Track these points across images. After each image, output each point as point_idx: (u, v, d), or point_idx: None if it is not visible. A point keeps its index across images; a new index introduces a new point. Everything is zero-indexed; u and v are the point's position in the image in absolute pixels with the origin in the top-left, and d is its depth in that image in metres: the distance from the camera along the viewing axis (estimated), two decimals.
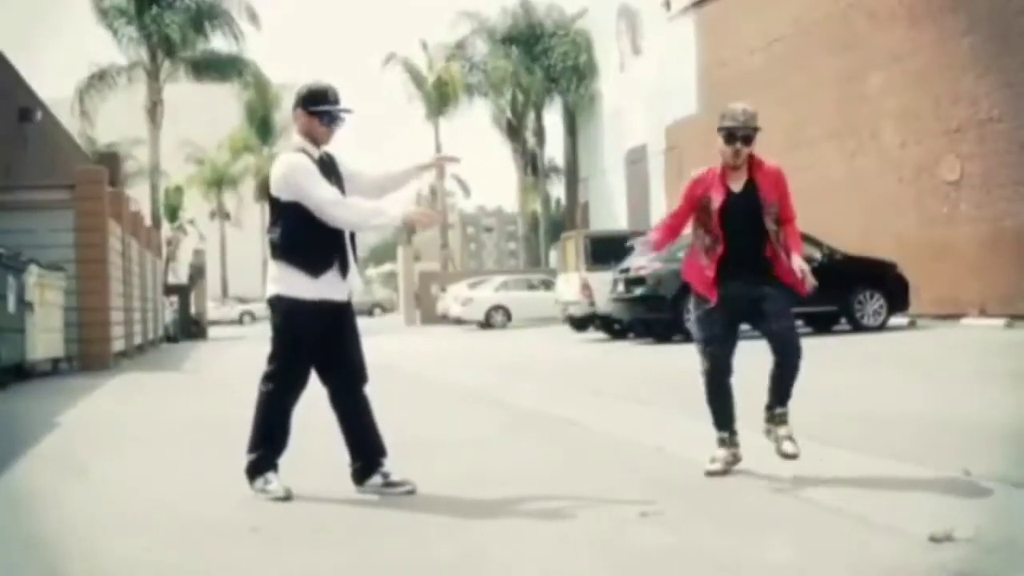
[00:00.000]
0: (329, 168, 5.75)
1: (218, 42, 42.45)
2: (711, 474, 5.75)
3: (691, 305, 6.18)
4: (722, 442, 5.90)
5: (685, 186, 5.99)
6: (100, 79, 41.45)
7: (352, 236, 5.80)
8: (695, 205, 5.90)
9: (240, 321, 60.87)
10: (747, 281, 5.77)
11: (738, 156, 5.77)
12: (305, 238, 5.59)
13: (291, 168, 5.61)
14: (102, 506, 5.71)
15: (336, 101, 5.75)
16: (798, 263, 5.74)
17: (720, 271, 5.80)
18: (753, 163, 5.84)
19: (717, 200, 5.78)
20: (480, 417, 9.43)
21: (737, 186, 5.83)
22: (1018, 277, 20.02)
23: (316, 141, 5.74)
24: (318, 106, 5.70)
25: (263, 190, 5.76)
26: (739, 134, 5.73)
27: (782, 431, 5.75)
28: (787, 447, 5.69)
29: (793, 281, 5.79)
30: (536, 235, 50.33)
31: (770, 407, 5.83)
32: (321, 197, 5.53)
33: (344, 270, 5.69)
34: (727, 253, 5.79)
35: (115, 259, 19.94)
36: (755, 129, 5.76)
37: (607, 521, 4.79)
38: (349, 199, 5.68)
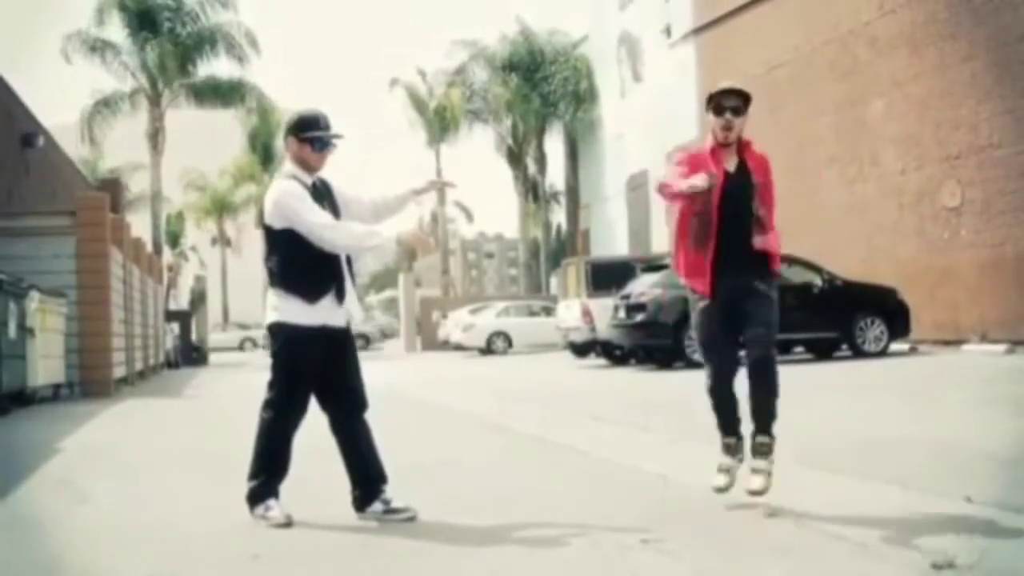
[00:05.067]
0: (323, 194, 5.76)
1: (220, 67, 42.58)
2: (719, 490, 5.61)
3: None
4: (727, 448, 5.72)
5: (680, 156, 5.66)
6: (105, 106, 41.52)
7: (349, 262, 5.82)
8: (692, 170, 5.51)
9: (241, 347, 60.83)
10: (738, 271, 5.51)
11: (729, 129, 5.50)
12: (301, 265, 5.60)
13: (282, 195, 5.62)
14: (103, 532, 5.70)
15: (327, 127, 5.75)
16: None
17: (715, 261, 5.52)
18: (742, 145, 5.61)
19: (718, 176, 5.45)
20: (481, 443, 9.43)
21: (730, 166, 5.58)
22: (1019, 303, 20.03)
23: (308, 168, 5.75)
24: (309, 133, 5.71)
25: (262, 218, 5.78)
26: (727, 103, 5.48)
27: (760, 464, 5.50)
28: (753, 482, 5.44)
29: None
30: (537, 261, 50.39)
31: (752, 434, 5.60)
32: (313, 222, 5.54)
33: (341, 296, 5.70)
34: (720, 241, 5.51)
35: (116, 285, 19.94)
36: (742, 96, 5.50)
37: (609, 547, 4.77)
38: (342, 222, 5.69)
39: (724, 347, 5.64)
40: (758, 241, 5.57)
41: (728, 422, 5.72)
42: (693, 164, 5.57)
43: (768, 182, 5.67)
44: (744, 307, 5.53)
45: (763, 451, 5.51)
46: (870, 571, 4.23)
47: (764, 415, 5.55)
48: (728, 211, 5.48)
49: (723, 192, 5.47)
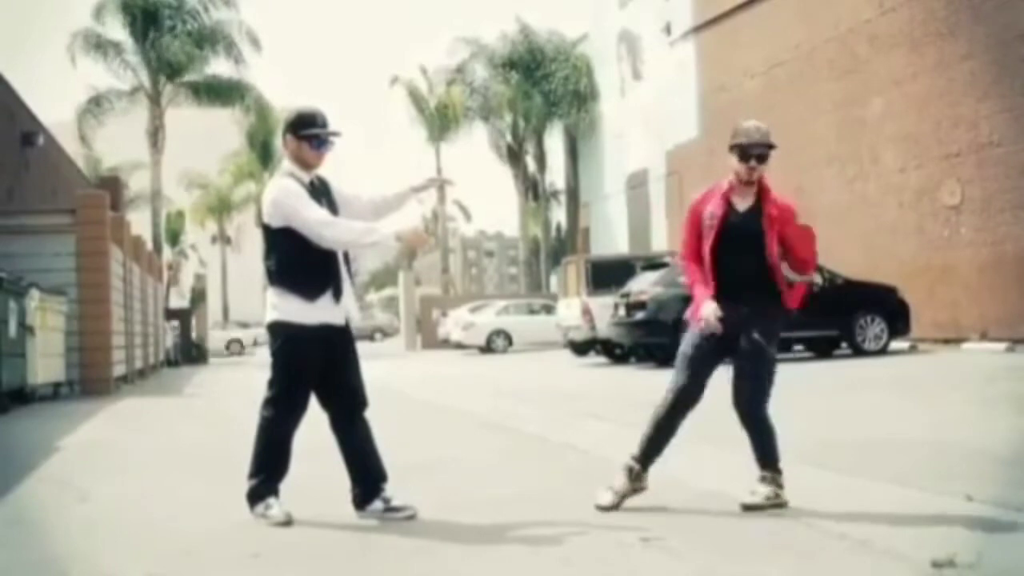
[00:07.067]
0: (321, 192, 5.74)
1: (220, 66, 42.51)
2: (603, 508, 5.52)
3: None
4: (630, 472, 5.63)
5: (687, 213, 5.77)
6: (97, 104, 41.37)
7: (347, 260, 5.81)
8: (699, 225, 5.65)
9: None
10: (743, 302, 5.50)
11: (753, 173, 5.53)
12: (299, 263, 5.59)
13: (280, 193, 5.61)
14: (103, 531, 5.70)
15: (324, 125, 5.73)
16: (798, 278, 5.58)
17: (720, 293, 5.54)
18: (762, 188, 5.61)
19: (716, 215, 5.56)
20: (480, 442, 9.42)
21: (743, 205, 5.59)
22: (1019, 301, 20.03)
23: (306, 165, 5.74)
24: (306, 130, 5.70)
25: (261, 217, 5.77)
26: (754, 152, 5.50)
27: (762, 488, 5.43)
28: (748, 499, 5.41)
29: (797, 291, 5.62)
30: (537, 260, 50.37)
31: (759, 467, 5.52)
32: (312, 219, 5.52)
33: (338, 294, 5.68)
34: (726, 275, 5.53)
35: (116, 283, 19.95)
36: (770, 146, 5.54)
37: (609, 546, 4.77)
38: (340, 219, 5.68)
39: (705, 367, 5.59)
40: (792, 276, 5.58)
41: (654, 448, 5.69)
42: (701, 204, 5.68)
43: (786, 227, 5.59)
44: (739, 339, 5.52)
45: (770, 481, 5.47)
46: (870, 570, 4.23)
47: (764, 452, 5.53)
48: (731, 248, 5.53)
49: (723, 229, 5.54)
